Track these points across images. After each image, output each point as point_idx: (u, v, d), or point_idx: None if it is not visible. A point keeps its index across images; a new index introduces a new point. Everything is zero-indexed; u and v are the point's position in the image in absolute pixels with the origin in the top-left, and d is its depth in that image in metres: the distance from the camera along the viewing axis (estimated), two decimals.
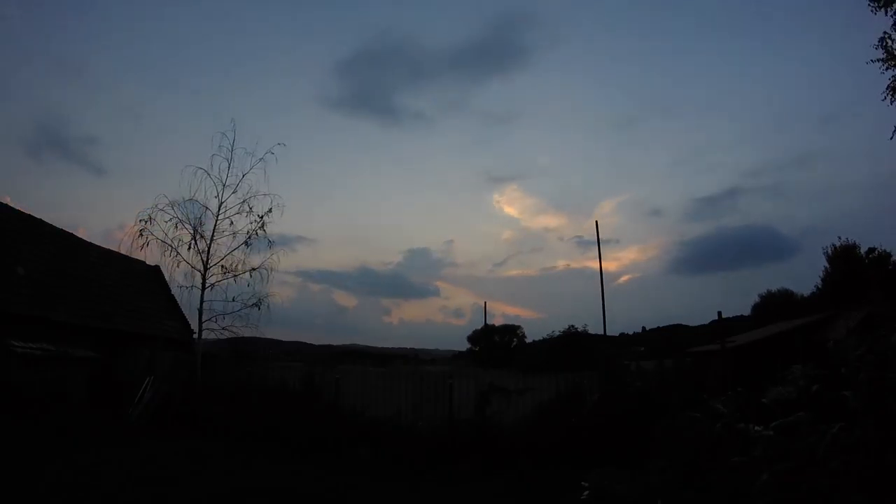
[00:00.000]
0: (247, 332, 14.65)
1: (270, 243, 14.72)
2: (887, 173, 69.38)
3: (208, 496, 6.69)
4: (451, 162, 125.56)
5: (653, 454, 5.05)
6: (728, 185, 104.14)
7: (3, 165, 76.42)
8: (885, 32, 10.68)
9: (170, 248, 14.19)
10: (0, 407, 9.95)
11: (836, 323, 14.85)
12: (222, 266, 14.40)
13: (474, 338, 45.62)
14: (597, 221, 20.72)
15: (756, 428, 2.56)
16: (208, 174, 14.43)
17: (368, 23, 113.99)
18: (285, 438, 10.27)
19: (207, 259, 14.32)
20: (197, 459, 8.77)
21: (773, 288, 34.02)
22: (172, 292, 17.44)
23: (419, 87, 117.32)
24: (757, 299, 34.18)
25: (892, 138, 11.16)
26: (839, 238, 28.81)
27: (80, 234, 14.65)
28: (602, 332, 20.50)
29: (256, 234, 14.55)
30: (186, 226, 14.30)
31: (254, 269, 14.46)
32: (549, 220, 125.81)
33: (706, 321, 29.45)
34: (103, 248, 17.88)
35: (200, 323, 14.15)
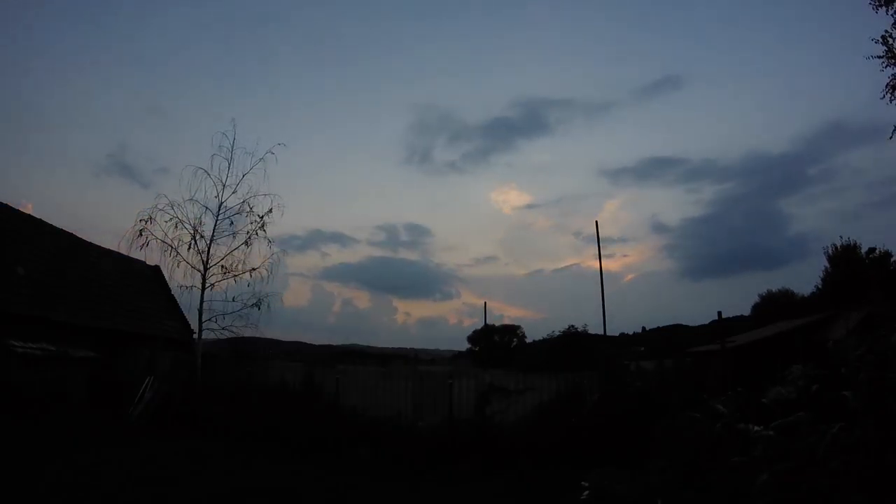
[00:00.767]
0: (247, 332, 14.67)
1: (270, 243, 14.74)
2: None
3: (208, 496, 6.70)
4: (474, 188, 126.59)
5: (653, 454, 5.05)
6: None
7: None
8: (885, 31, 10.69)
9: (170, 248, 14.21)
10: (0, 407, 9.95)
11: (836, 323, 14.84)
12: (222, 266, 14.42)
13: (474, 338, 45.65)
14: (597, 221, 20.70)
15: (756, 428, 2.56)
16: (208, 174, 14.46)
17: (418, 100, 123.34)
18: (285, 438, 10.27)
19: (207, 259, 14.33)
20: (197, 459, 8.77)
21: (774, 288, 34.06)
22: (172, 292, 17.47)
23: (455, 146, 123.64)
24: (757, 299, 34.21)
25: (891, 138, 11.16)
26: (840, 238, 28.85)
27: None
28: (602, 332, 20.50)
29: (256, 233, 14.58)
30: (186, 226, 14.32)
31: (254, 269, 14.49)
32: (550, 220, 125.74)
33: (706, 321, 29.44)
34: (103, 248, 17.87)
35: (200, 323, 14.16)
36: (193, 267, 14.24)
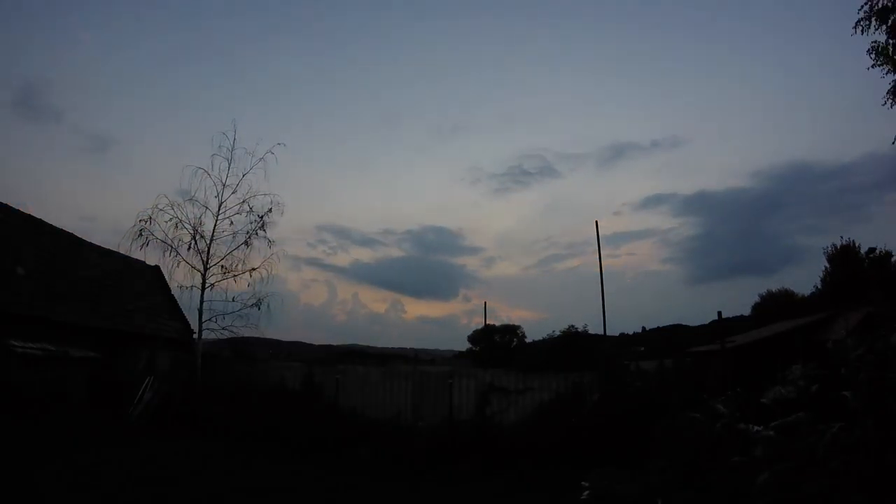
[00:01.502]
0: (247, 332, 14.66)
1: (270, 243, 14.74)
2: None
3: (208, 496, 6.70)
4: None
5: (653, 454, 5.05)
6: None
7: None
8: (876, 41, 10.69)
9: (170, 248, 14.21)
10: (0, 407, 9.95)
11: (836, 323, 14.83)
12: (222, 266, 14.43)
13: (474, 338, 45.60)
14: (596, 222, 20.66)
15: (756, 428, 2.56)
16: (208, 174, 14.47)
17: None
18: (285, 438, 10.27)
19: (207, 259, 14.33)
20: (197, 459, 8.77)
21: (774, 288, 34.04)
22: (172, 292, 17.46)
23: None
24: (757, 299, 34.20)
25: (894, 143, 11.16)
26: (840, 238, 28.84)
27: None
28: (602, 332, 20.49)
29: (256, 233, 14.58)
30: (186, 226, 14.32)
31: (254, 269, 14.49)
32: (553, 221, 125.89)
33: (706, 321, 29.43)
34: (103, 248, 17.87)
35: (200, 323, 14.15)
36: (193, 267, 14.26)
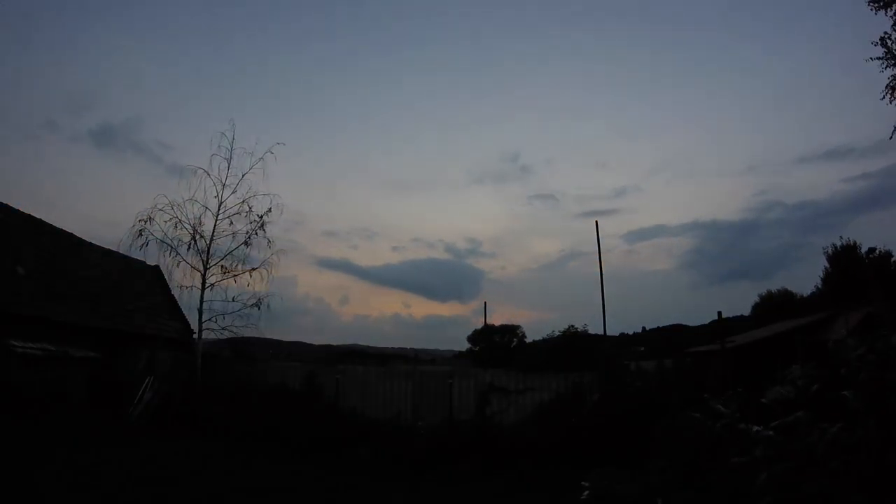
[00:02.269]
0: (247, 332, 14.68)
1: (270, 243, 14.75)
2: None
3: (208, 496, 6.70)
4: None
5: (653, 454, 5.05)
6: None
7: None
8: (885, 32, 10.71)
9: (170, 248, 14.22)
10: (0, 407, 9.95)
11: (836, 323, 14.84)
12: (222, 266, 14.43)
13: (474, 338, 45.61)
14: (596, 221, 20.70)
15: (756, 428, 2.56)
16: (208, 174, 14.48)
17: None
18: (285, 438, 10.27)
19: (207, 259, 14.33)
20: (197, 459, 8.77)
21: (774, 288, 34.05)
22: (172, 292, 17.46)
23: None
24: (757, 299, 34.21)
25: (891, 138, 11.19)
26: (840, 238, 28.85)
27: None
28: (602, 332, 20.50)
29: (256, 233, 14.58)
30: (186, 226, 14.33)
31: (254, 269, 14.50)
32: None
33: (706, 321, 29.44)
34: (103, 248, 17.88)
35: (200, 323, 14.16)
36: (193, 267, 14.27)
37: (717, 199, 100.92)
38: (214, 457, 9.13)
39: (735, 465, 2.55)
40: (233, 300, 14.30)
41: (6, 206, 14.99)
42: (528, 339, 42.41)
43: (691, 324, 40.94)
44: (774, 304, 30.50)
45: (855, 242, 28.10)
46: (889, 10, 10.48)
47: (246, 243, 14.52)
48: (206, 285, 14.20)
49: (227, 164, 14.59)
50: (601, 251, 19.67)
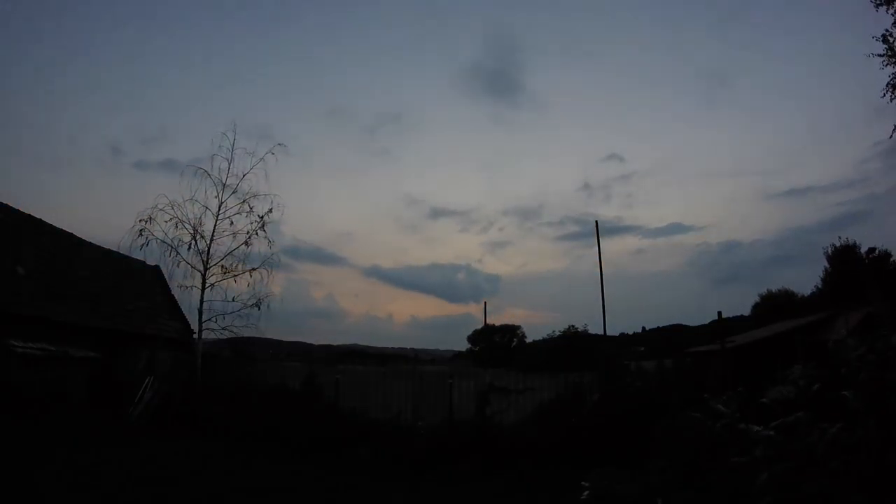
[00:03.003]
0: (247, 332, 14.67)
1: (270, 243, 14.76)
2: None
3: (208, 496, 6.69)
4: None
5: (653, 454, 5.05)
6: None
7: None
8: (886, 30, 10.72)
9: (170, 248, 14.21)
10: (0, 407, 9.95)
11: (836, 323, 14.84)
12: (222, 266, 14.43)
13: (474, 338, 45.66)
14: (596, 222, 20.73)
15: (756, 428, 2.56)
16: (208, 174, 14.48)
17: None
18: (285, 438, 10.27)
19: (207, 259, 14.33)
20: (197, 459, 8.77)
21: (774, 288, 34.05)
22: (172, 292, 17.47)
23: None
24: (757, 299, 34.21)
25: (891, 137, 11.19)
26: (839, 238, 28.86)
27: None
28: (602, 332, 20.52)
29: (256, 233, 14.58)
30: (186, 226, 14.33)
31: (254, 269, 14.49)
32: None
33: (706, 321, 29.45)
34: (103, 248, 17.88)
35: (200, 323, 14.15)
36: (193, 267, 14.26)
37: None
38: (214, 457, 9.12)
39: (735, 465, 2.55)
40: (233, 300, 14.32)
41: (6, 206, 14.99)
42: (529, 339, 42.50)
43: (691, 324, 40.99)
44: (774, 304, 30.51)
45: (855, 242, 28.13)
46: (891, 6, 10.49)
47: (246, 243, 14.52)
48: (206, 285, 14.21)
49: (227, 164, 14.61)
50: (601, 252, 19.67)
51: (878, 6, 10.69)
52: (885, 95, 11.24)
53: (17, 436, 8.86)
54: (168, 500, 6.50)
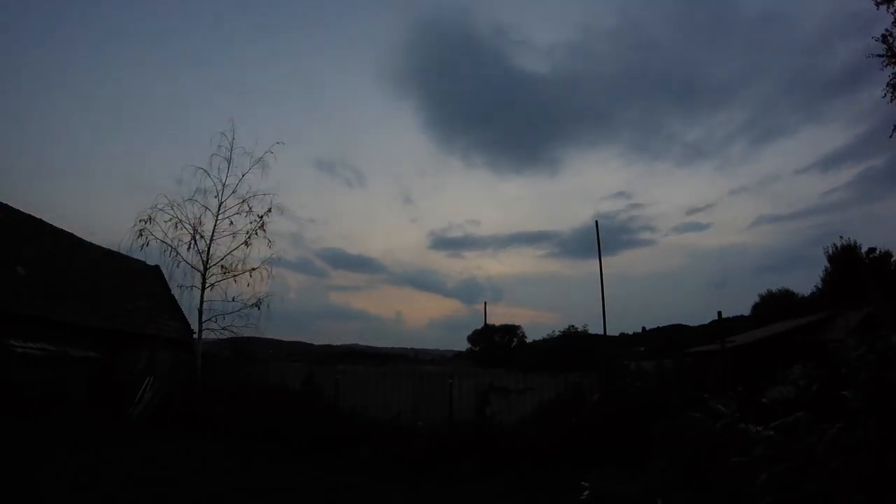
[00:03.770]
0: (247, 332, 14.67)
1: (270, 243, 14.76)
2: None
3: (208, 496, 6.69)
4: None
5: (653, 454, 5.06)
6: None
7: None
8: (886, 29, 10.71)
9: (170, 248, 14.21)
10: (0, 407, 9.95)
11: (836, 323, 14.86)
12: (222, 266, 14.43)
13: (474, 338, 45.64)
14: (596, 221, 20.74)
15: (756, 428, 2.56)
16: (208, 174, 14.48)
17: None
18: (285, 438, 10.27)
19: (207, 259, 14.33)
20: (197, 459, 8.77)
21: (774, 288, 34.06)
22: (172, 292, 17.46)
23: None
24: (757, 299, 34.22)
25: (891, 137, 11.19)
26: (840, 238, 28.85)
27: None
28: (602, 332, 20.53)
29: (256, 233, 14.58)
30: (186, 226, 14.33)
31: (254, 269, 14.49)
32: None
33: (706, 321, 29.47)
34: (103, 248, 17.88)
35: (200, 323, 14.15)
36: (193, 267, 14.26)
37: None
38: (214, 457, 9.12)
39: (735, 465, 2.55)
40: (233, 300, 14.31)
41: (6, 206, 14.99)
42: (529, 340, 42.49)
43: (691, 324, 40.99)
44: (774, 304, 30.52)
45: (855, 242, 28.12)
46: (891, 5, 10.48)
47: (246, 243, 14.52)
48: (206, 285, 14.21)
49: (227, 164, 14.61)
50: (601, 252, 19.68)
51: (878, 5, 10.69)
52: (885, 95, 11.23)
53: (17, 436, 8.85)
54: (168, 500, 6.50)
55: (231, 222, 14.59)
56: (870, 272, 23.92)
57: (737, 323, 28.87)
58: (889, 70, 10.98)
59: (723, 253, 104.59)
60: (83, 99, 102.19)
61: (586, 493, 4.37)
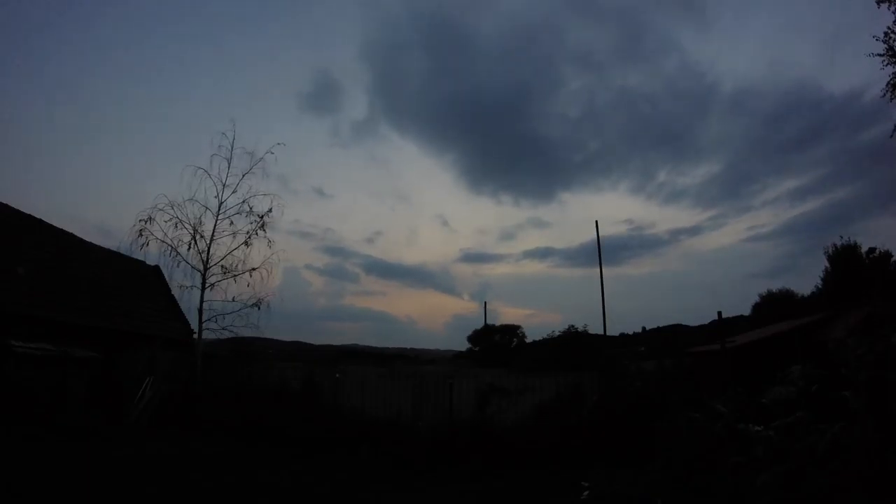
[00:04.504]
0: (247, 332, 14.69)
1: (270, 243, 14.76)
2: None
3: (208, 496, 6.69)
4: None
5: (653, 454, 5.05)
6: None
7: None
8: (887, 27, 10.71)
9: (170, 248, 14.23)
10: (0, 407, 9.94)
11: (836, 323, 14.84)
12: (222, 266, 14.43)
13: (474, 338, 45.60)
14: (596, 222, 20.75)
15: (756, 428, 2.56)
16: (208, 174, 14.49)
17: None
18: (285, 438, 10.27)
19: (207, 259, 14.34)
20: (197, 459, 8.77)
21: (774, 288, 34.06)
22: (172, 292, 17.47)
23: None
24: (757, 299, 34.21)
25: (892, 136, 11.19)
26: (840, 238, 28.85)
27: None
28: (602, 332, 20.52)
29: (256, 233, 14.59)
30: (186, 226, 14.33)
31: (254, 269, 14.50)
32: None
33: (706, 321, 29.48)
34: (103, 248, 17.88)
35: (200, 323, 14.16)
36: (193, 267, 14.28)
37: None
38: (214, 456, 9.12)
39: (735, 465, 2.55)
40: (233, 300, 14.32)
41: (6, 206, 14.99)
42: (529, 340, 42.45)
43: (691, 324, 40.95)
44: (774, 304, 30.51)
45: (855, 242, 28.11)
46: (892, 4, 10.49)
47: (246, 243, 14.52)
48: (206, 285, 14.21)
49: (227, 164, 14.62)
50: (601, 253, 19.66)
51: (879, 2, 10.69)
52: (885, 95, 11.23)
53: (17, 436, 8.85)
54: (168, 500, 6.50)
55: (231, 222, 14.61)
56: (870, 272, 23.92)
57: (737, 323, 28.86)
58: (889, 70, 10.98)
59: (723, 253, 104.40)
60: (83, 99, 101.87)
61: (586, 493, 4.37)
